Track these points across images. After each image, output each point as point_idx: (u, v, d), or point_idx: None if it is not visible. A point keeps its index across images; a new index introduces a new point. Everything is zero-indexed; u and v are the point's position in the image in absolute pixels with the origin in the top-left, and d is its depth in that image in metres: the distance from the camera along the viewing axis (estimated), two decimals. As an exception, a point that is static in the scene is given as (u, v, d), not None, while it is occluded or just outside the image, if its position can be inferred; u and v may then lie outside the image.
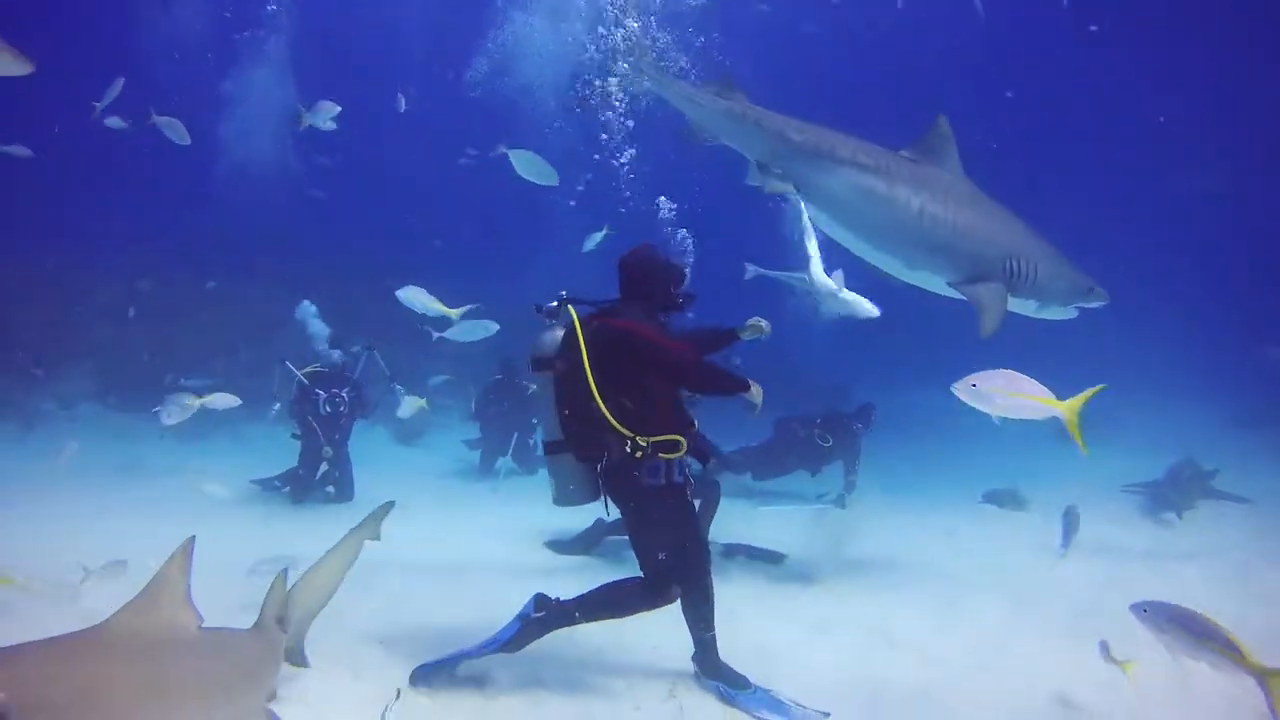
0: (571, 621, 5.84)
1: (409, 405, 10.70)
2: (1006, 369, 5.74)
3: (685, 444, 5.69)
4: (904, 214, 8.39)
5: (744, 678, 6.05)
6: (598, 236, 12.50)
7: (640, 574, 5.87)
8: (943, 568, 9.63)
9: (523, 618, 5.88)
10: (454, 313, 9.39)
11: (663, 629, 6.48)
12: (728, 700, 5.90)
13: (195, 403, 9.49)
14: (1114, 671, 6.08)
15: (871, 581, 9.04)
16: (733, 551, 9.48)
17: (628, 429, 5.50)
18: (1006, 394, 5.58)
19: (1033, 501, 12.71)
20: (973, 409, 5.85)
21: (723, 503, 10.07)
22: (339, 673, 5.93)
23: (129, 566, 6.95)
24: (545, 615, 5.83)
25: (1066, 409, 5.57)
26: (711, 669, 6.08)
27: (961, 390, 5.77)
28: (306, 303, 12.85)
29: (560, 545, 9.84)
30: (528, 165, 10.20)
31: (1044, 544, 10.47)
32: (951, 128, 8.68)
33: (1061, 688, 6.36)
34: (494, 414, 14.42)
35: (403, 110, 16.70)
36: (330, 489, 11.91)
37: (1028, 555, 10.13)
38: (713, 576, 6.10)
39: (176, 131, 11.04)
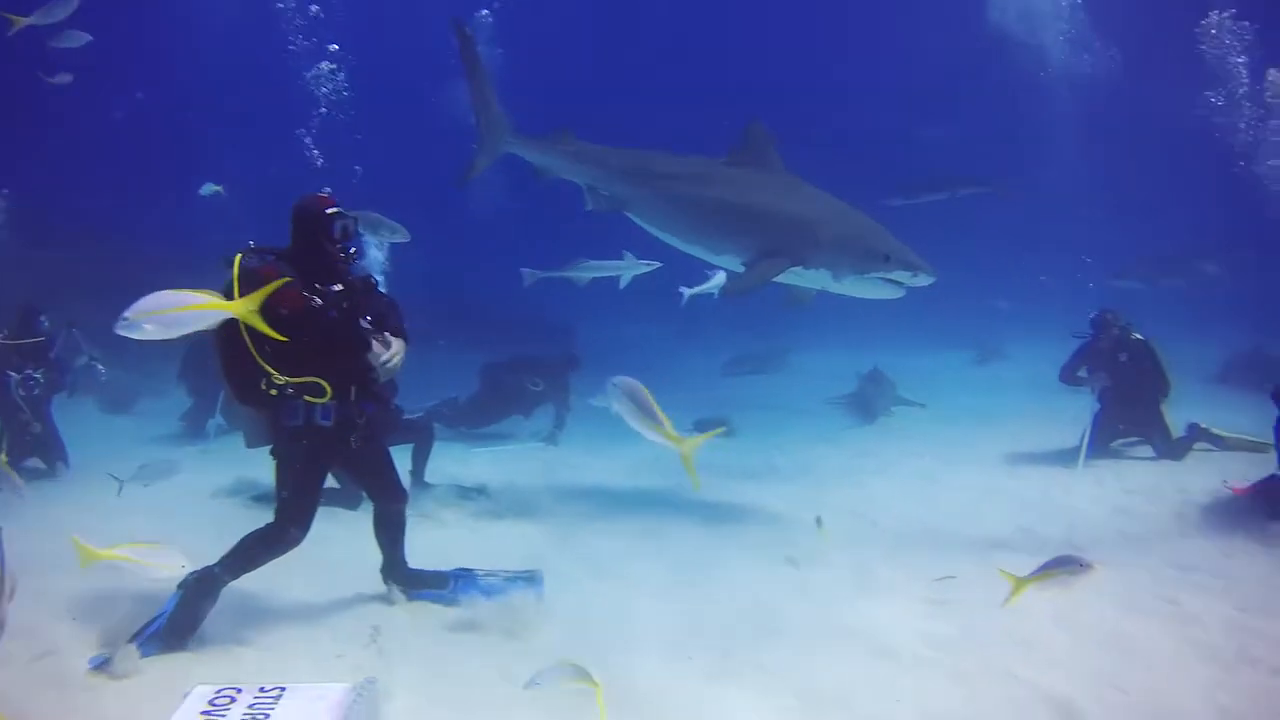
0: (218, 580, 5.73)
1: None
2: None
3: (328, 389, 5.68)
4: (701, 210, 9.68)
5: (442, 574, 6.57)
6: (212, 188, 13.25)
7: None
8: (650, 495, 9.90)
9: (181, 585, 5.72)
10: None
11: (365, 573, 6.56)
12: (447, 602, 6.37)
13: None
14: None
15: (581, 512, 9.22)
16: (444, 492, 9.42)
17: (271, 368, 5.55)
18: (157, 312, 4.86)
19: (742, 429, 13.18)
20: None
21: (439, 446, 10.12)
22: (24, 649, 5.43)
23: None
24: (197, 577, 5.69)
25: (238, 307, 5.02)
26: (409, 582, 6.47)
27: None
28: None
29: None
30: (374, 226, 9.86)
31: (748, 469, 10.97)
32: (766, 127, 9.70)
33: (760, 595, 6.74)
34: (198, 374, 13.54)
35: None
36: (39, 463, 10.90)
37: (733, 480, 10.48)
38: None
39: None
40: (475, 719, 4.88)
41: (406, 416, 9.70)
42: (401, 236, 9.91)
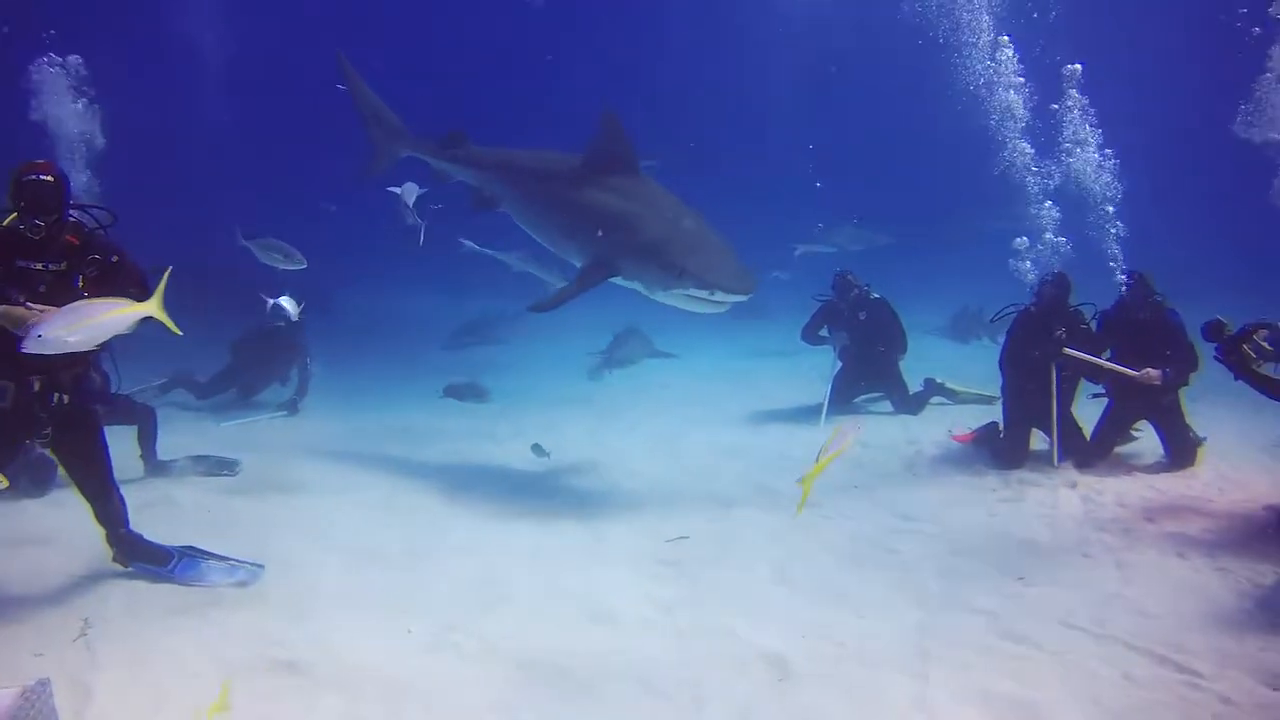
0: None
1: None
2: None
3: None
4: (544, 209, 9.25)
5: (165, 551, 6.24)
6: None
7: None
8: (392, 462, 9.54)
9: None
10: None
11: (82, 560, 6.29)
12: (163, 578, 6.11)
13: None
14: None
15: (320, 484, 8.74)
16: (184, 469, 8.91)
17: None
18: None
19: (494, 392, 12.94)
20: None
21: (191, 421, 10.41)
22: None
23: None
24: None
25: None
26: (129, 553, 6.19)
27: None
28: None
29: None
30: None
31: (494, 433, 10.77)
32: (618, 119, 8.70)
33: (490, 563, 6.59)
34: None
35: None
36: None
37: (479, 443, 10.27)
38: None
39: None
40: (171, 716, 4.51)
41: (122, 394, 9.04)
42: (296, 264, 10.18)
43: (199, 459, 9.08)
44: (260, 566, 6.35)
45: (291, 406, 11.95)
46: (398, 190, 10.35)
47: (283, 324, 12.10)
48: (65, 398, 5.66)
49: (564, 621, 5.59)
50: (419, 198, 10.63)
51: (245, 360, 12.45)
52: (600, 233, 8.44)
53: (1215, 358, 6.88)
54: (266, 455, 9.68)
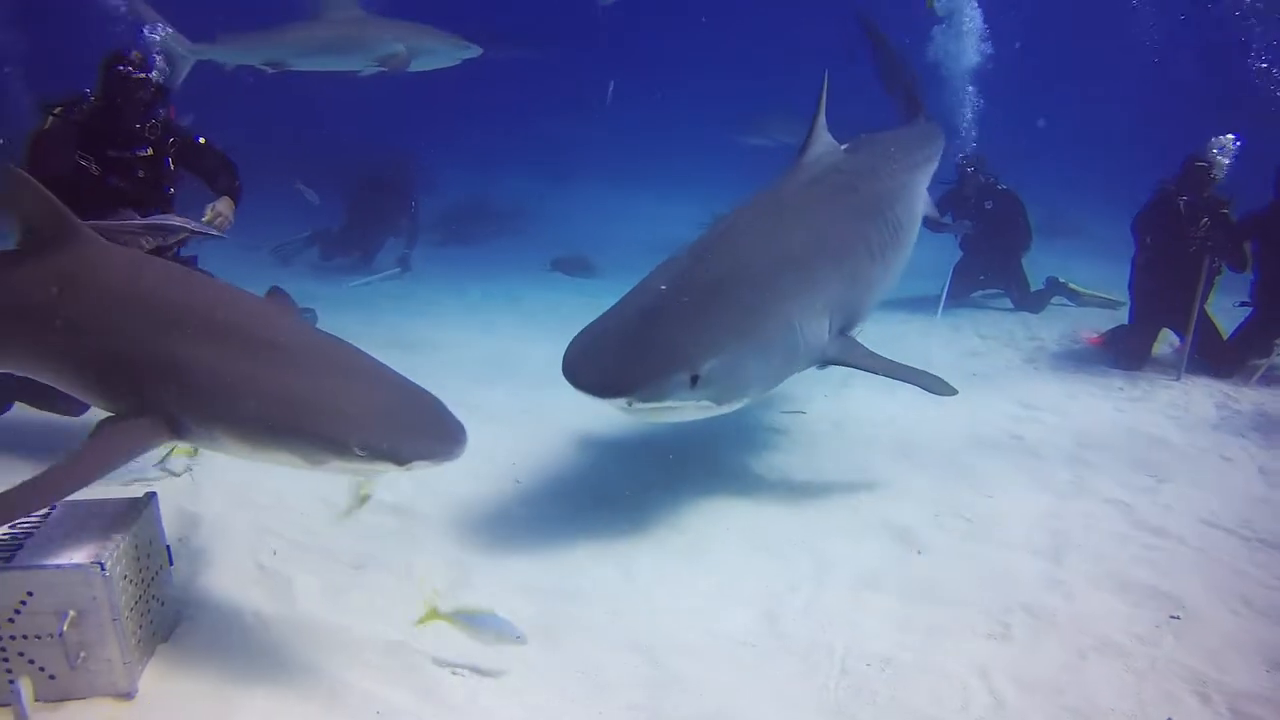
0: None
1: None
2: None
3: None
4: None
5: None
6: None
7: None
8: (499, 327, 9.44)
9: None
10: None
11: None
12: None
13: None
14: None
15: (428, 341, 8.70)
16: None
17: None
18: None
19: (602, 268, 12.71)
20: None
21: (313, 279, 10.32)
22: None
23: None
24: None
25: None
26: None
27: None
28: None
29: None
30: None
31: (600, 305, 10.56)
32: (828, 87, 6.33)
33: (594, 423, 6.38)
34: None
35: None
36: None
37: (587, 312, 10.04)
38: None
39: None
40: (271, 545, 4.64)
41: None
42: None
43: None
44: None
45: (404, 263, 11.95)
46: None
47: (414, 204, 12.30)
48: None
49: (668, 468, 5.54)
50: None
51: (362, 214, 12.49)
52: None
53: None
54: (376, 315, 9.75)
